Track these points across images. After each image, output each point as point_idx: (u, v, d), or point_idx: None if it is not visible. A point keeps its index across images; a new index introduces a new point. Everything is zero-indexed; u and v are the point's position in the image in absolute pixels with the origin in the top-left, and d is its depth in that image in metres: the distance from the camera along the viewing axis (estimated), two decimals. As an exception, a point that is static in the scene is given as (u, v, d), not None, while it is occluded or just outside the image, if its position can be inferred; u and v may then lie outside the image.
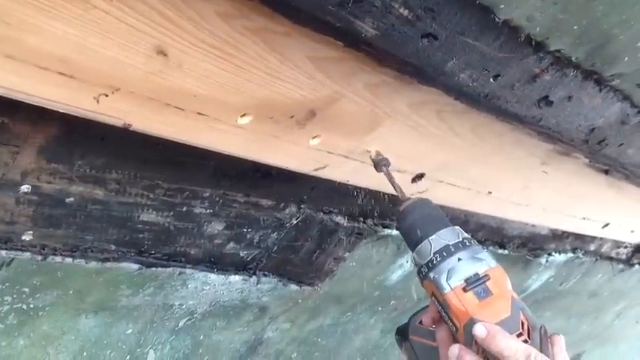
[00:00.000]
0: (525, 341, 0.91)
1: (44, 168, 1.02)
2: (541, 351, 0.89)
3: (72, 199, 1.10)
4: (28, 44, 0.73)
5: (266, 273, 1.63)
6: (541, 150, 1.58)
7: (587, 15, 0.99)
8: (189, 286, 1.50)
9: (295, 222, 1.54)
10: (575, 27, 1.01)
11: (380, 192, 1.63)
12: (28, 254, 1.12)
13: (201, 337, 1.77)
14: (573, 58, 1.12)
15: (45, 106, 0.81)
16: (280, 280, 1.69)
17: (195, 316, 1.66)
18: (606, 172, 1.83)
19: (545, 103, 1.26)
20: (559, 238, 2.71)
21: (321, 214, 1.57)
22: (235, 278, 1.57)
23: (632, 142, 1.60)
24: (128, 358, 1.61)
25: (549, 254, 2.72)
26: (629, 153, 1.67)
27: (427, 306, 1.07)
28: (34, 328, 1.32)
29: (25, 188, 1.03)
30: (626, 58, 1.15)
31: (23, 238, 1.12)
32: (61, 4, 0.71)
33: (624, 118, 1.41)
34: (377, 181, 1.26)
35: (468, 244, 0.99)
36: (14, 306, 1.25)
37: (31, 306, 1.27)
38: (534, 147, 1.54)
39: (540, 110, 1.28)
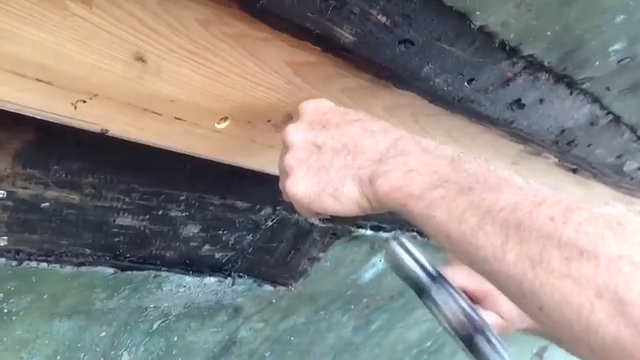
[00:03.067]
0: None
1: (20, 173, 1.01)
2: None
3: (47, 204, 1.08)
4: (4, 51, 0.72)
5: (241, 274, 1.63)
6: (512, 150, 1.60)
7: (560, 21, 1.01)
8: (164, 288, 1.49)
9: (271, 223, 1.54)
10: (548, 33, 1.03)
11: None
12: (3, 260, 1.11)
13: (175, 338, 1.76)
14: (546, 63, 1.14)
15: (22, 113, 0.80)
16: (255, 281, 1.69)
17: (169, 317, 1.65)
18: (574, 170, 1.87)
19: (518, 105, 1.28)
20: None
21: (297, 215, 1.57)
22: (210, 280, 1.57)
23: (600, 142, 1.63)
24: (102, 360, 1.59)
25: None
26: (596, 153, 1.71)
27: None
28: (7, 333, 1.31)
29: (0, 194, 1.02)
30: (597, 62, 1.17)
31: (-3, 243, 1.10)
32: (38, 11, 0.71)
33: (593, 119, 1.44)
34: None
35: None
36: (-13, 311, 1.24)
37: (5, 311, 1.25)
38: (506, 147, 1.56)
39: (513, 113, 1.30)
